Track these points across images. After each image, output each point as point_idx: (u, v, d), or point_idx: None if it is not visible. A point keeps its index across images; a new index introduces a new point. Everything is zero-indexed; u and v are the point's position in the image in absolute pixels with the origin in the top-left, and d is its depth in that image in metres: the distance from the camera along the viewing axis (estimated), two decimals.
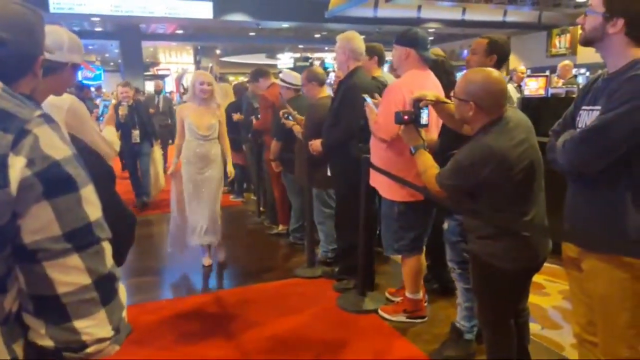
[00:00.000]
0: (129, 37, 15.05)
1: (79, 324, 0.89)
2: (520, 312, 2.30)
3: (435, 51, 3.58)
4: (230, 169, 4.26)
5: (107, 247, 0.95)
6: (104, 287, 0.92)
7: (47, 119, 0.92)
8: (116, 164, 5.39)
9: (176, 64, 23.23)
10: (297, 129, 4.08)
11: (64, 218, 0.88)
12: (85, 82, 13.78)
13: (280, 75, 4.69)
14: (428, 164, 2.29)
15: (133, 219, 1.64)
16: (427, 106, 2.42)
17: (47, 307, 0.89)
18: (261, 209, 6.05)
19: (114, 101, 5.21)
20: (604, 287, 1.74)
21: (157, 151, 6.69)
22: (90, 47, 19.88)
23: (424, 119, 2.41)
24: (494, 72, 2.08)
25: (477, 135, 2.07)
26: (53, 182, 0.87)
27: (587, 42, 1.77)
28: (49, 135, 0.89)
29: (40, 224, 0.86)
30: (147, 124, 6.49)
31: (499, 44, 2.79)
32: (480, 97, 2.01)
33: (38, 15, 1.09)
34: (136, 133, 6.19)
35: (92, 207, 0.93)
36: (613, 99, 1.62)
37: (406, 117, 2.40)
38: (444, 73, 3.18)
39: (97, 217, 0.93)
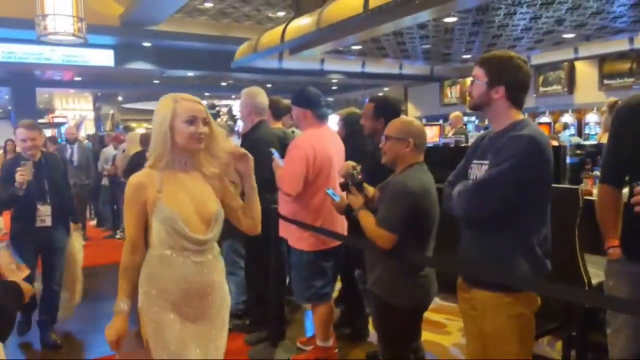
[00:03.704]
0: (22, 84, 14.14)
1: None
2: (416, 349, 2.49)
3: (352, 110, 3.78)
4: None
5: None
6: None
7: None
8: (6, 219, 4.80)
9: (74, 111, 22.17)
10: None
11: None
12: None
13: None
14: (373, 220, 2.34)
15: (16, 291, 1.41)
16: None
17: None
18: None
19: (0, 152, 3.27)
20: (493, 323, 1.94)
21: (77, 241, 3.96)
22: None
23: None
24: (416, 121, 2.50)
25: (404, 172, 2.32)
26: None
27: (475, 107, 2.03)
28: None
29: None
30: (65, 193, 3.75)
31: (384, 106, 3.06)
32: (416, 135, 2.35)
33: None
34: (45, 210, 3.52)
35: None
36: (499, 156, 1.88)
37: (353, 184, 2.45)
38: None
39: None
